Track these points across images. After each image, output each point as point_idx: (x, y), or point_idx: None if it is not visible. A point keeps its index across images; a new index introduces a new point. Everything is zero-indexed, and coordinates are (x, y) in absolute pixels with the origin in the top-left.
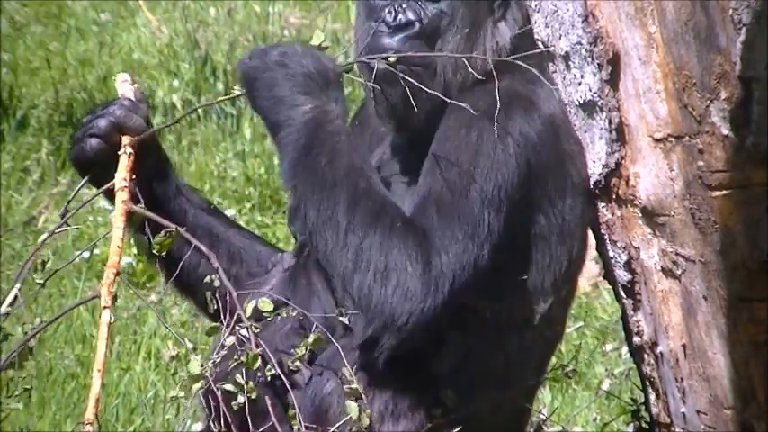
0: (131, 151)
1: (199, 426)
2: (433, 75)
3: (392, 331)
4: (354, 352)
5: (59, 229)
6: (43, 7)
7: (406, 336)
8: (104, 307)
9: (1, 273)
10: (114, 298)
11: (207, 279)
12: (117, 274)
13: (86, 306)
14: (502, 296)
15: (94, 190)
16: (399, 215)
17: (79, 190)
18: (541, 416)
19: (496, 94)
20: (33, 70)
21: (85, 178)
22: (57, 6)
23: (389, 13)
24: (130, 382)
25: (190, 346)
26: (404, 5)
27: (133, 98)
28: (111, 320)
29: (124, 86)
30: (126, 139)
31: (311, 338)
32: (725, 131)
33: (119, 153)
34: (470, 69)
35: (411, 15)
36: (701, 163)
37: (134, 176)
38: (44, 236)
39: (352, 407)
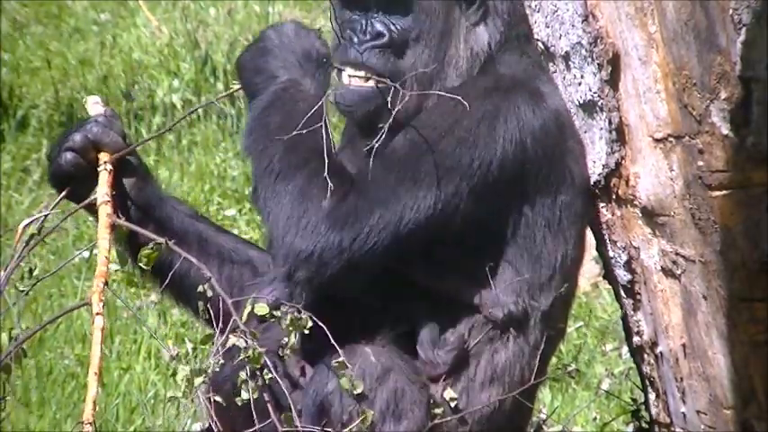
0: (111, 168)
1: (199, 426)
2: (403, 87)
3: (301, 265)
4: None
5: (33, 245)
6: (43, 7)
7: (315, 269)
8: (97, 313)
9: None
10: (105, 304)
11: (200, 288)
12: (106, 283)
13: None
14: (496, 290)
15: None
16: (333, 161)
17: (56, 205)
18: (541, 416)
19: (493, 79)
20: (33, 70)
21: (63, 193)
22: (57, 6)
23: (359, 25)
24: (130, 382)
25: (189, 346)
26: (372, 19)
27: (109, 110)
28: (104, 326)
29: (96, 108)
30: (105, 156)
31: (288, 320)
32: (725, 131)
33: (98, 169)
34: (446, 78)
35: (379, 27)
36: (700, 163)
37: (114, 191)
38: (31, 238)
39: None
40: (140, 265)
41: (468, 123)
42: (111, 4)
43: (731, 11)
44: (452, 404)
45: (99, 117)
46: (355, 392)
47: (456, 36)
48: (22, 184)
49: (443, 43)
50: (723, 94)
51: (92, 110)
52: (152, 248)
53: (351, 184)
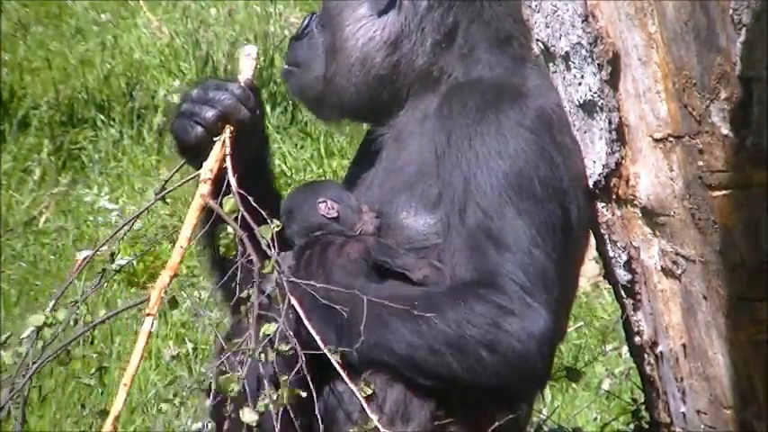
0: (227, 137)
1: (198, 425)
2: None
3: (537, 375)
4: None
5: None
6: (43, 7)
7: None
8: (148, 314)
9: (1, 273)
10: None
11: (244, 294)
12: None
13: (86, 305)
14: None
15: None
16: (464, 290)
17: (178, 169)
18: (541, 416)
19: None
20: (34, 70)
21: (184, 160)
22: (57, 6)
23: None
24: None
25: (190, 346)
26: (307, 19)
27: (249, 81)
28: (153, 329)
29: (247, 62)
30: (227, 130)
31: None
32: (725, 131)
33: (214, 139)
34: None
35: (309, 22)
36: (700, 163)
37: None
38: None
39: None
40: (220, 252)
41: (494, 156)
42: (112, 4)
43: (731, 11)
44: (455, 404)
45: (237, 87)
46: (367, 393)
47: (347, 25)
48: (23, 184)
49: (334, 32)
50: (723, 94)
51: (242, 62)
52: (230, 238)
53: (493, 286)
